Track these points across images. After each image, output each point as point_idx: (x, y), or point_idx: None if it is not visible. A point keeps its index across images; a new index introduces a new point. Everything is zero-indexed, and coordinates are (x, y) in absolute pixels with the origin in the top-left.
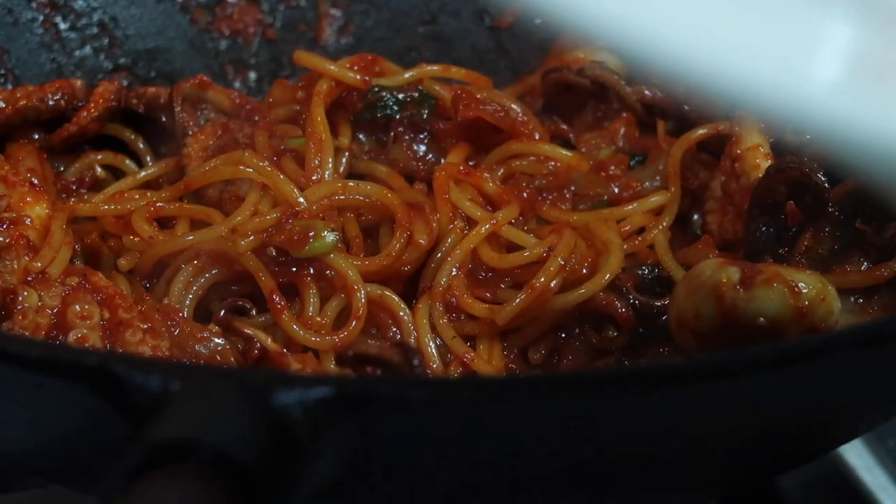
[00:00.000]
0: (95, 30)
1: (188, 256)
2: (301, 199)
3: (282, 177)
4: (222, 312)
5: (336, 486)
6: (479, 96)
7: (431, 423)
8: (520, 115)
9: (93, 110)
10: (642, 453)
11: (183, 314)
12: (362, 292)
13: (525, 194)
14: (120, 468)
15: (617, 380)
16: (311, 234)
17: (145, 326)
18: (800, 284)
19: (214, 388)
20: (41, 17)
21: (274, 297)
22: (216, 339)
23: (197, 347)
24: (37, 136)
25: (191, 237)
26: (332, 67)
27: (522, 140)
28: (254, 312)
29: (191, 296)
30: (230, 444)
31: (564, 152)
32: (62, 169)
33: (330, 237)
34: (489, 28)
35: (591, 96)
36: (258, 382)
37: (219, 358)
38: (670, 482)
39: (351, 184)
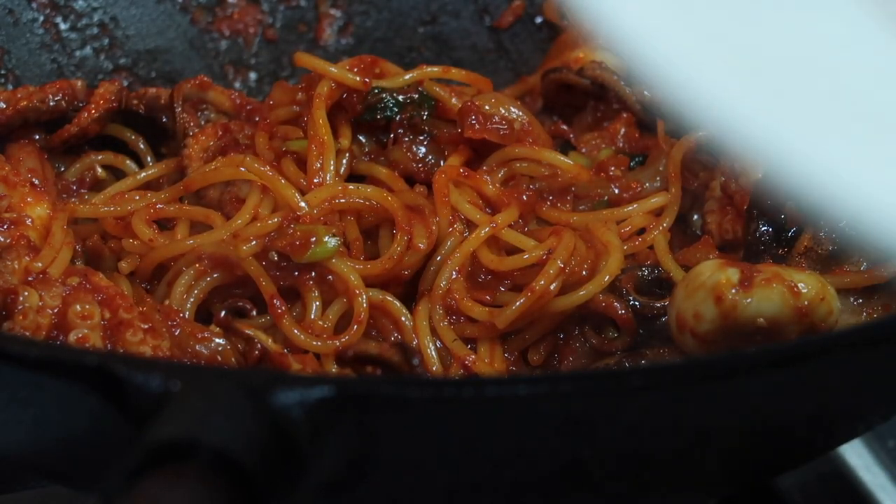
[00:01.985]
0: (96, 30)
1: (189, 259)
2: (302, 204)
3: (283, 181)
4: (223, 313)
5: (336, 486)
6: (482, 104)
7: (431, 423)
8: (525, 123)
9: (93, 111)
10: (642, 453)
11: (184, 315)
12: (364, 297)
13: (525, 197)
14: (120, 468)
15: (617, 380)
16: (312, 239)
17: (146, 326)
18: (799, 284)
19: (215, 388)
20: (42, 18)
21: (275, 301)
22: (217, 340)
23: (197, 348)
24: (37, 137)
25: (191, 241)
26: (332, 69)
27: (525, 145)
28: (254, 313)
29: (192, 299)
30: (230, 444)
31: (566, 160)
32: (63, 169)
33: (332, 242)
34: (489, 28)
35: (591, 96)
36: (258, 382)
37: (219, 358)
38: (670, 482)
39: (351, 187)
